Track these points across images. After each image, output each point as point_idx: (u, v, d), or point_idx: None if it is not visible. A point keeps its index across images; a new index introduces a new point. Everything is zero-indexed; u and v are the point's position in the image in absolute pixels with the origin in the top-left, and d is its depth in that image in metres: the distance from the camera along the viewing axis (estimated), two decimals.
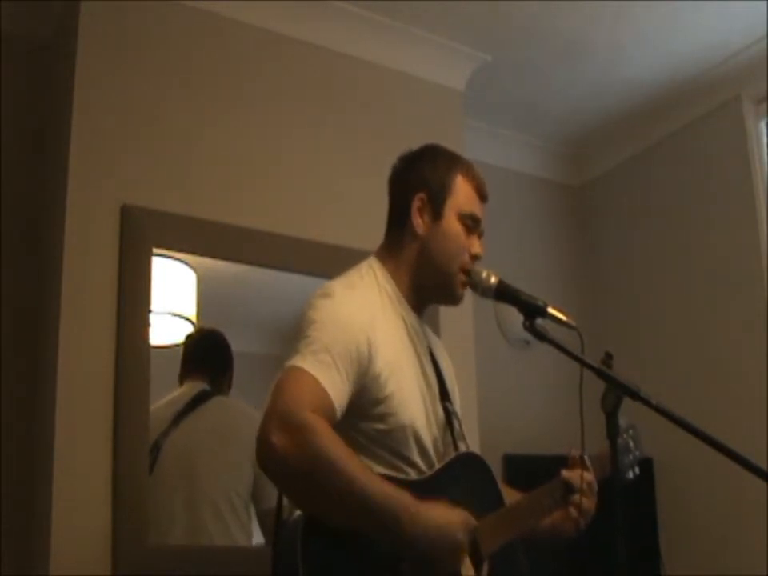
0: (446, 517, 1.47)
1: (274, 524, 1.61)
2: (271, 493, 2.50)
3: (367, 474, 1.45)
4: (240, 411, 2.65)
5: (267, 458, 1.42)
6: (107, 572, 2.21)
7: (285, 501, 1.61)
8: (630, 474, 1.86)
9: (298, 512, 1.52)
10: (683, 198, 3.70)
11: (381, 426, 1.61)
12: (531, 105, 3.71)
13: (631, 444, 1.89)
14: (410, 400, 1.66)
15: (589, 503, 1.75)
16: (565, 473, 1.76)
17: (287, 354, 1.55)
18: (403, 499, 1.44)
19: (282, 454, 1.40)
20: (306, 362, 1.50)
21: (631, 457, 1.87)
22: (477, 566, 1.59)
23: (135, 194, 2.50)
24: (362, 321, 1.61)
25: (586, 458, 1.75)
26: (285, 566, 1.49)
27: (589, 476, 1.75)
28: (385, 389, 1.61)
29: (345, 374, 1.53)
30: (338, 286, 1.68)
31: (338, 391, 1.51)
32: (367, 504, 1.41)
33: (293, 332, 1.60)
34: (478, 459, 1.77)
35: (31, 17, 2.79)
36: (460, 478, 1.68)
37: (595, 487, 1.77)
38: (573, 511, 1.73)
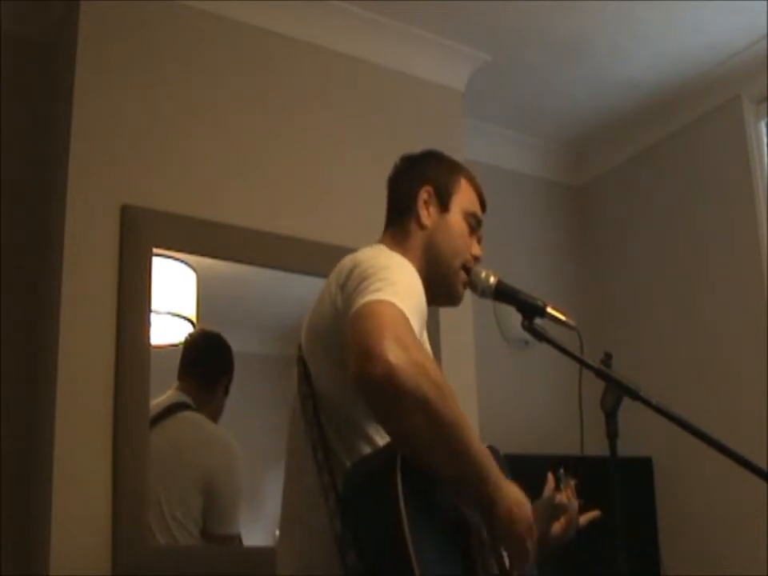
0: (523, 498, 1.42)
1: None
2: (227, 518, 2.51)
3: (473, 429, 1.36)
4: (203, 434, 2.61)
5: (383, 374, 1.23)
6: (107, 572, 2.21)
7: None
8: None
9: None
10: (683, 198, 3.70)
11: None
12: (531, 105, 3.71)
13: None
14: None
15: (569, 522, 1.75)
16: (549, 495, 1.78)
17: (351, 297, 1.39)
18: (496, 468, 1.38)
19: (403, 372, 1.23)
20: (395, 298, 1.34)
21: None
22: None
23: (135, 194, 2.50)
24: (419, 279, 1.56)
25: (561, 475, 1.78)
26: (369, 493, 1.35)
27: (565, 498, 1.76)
28: None
29: (416, 323, 1.40)
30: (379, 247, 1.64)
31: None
32: (473, 453, 1.33)
33: (351, 279, 1.45)
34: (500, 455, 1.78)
35: (31, 17, 2.79)
36: None
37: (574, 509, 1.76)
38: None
